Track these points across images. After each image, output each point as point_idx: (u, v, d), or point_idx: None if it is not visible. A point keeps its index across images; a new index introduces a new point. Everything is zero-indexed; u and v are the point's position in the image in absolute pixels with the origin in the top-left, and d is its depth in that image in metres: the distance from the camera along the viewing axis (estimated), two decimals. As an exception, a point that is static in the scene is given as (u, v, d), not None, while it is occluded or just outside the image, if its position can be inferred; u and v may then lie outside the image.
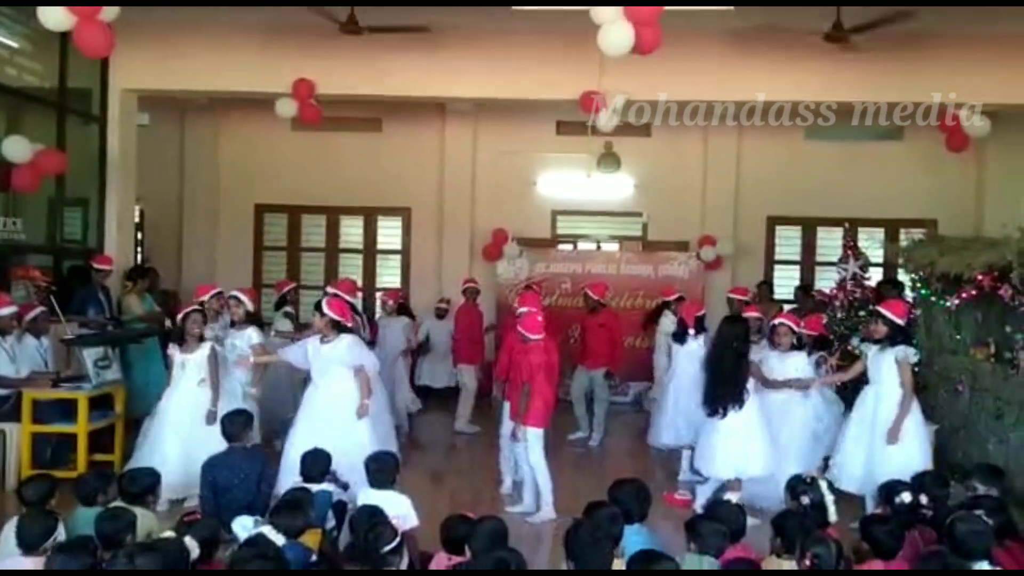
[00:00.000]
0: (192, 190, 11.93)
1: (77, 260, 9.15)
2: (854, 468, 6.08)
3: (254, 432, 6.25)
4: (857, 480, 6.03)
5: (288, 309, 8.64)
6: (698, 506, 6.27)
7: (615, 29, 5.81)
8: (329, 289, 7.79)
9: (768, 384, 6.53)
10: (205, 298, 7.26)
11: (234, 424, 5.52)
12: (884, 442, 5.97)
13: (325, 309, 6.34)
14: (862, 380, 6.33)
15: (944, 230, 10.35)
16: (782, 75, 8.85)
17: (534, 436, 6.37)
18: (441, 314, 10.29)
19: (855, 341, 7.77)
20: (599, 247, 11.99)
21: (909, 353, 6.06)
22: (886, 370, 6.10)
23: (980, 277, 6.80)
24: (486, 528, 4.00)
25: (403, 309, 9.51)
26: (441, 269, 11.66)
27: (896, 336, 6.11)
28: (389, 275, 12.13)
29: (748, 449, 6.22)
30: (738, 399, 6.20)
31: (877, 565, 3.92)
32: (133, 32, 6.41)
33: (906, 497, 4.70)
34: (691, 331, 7.33)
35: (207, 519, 4.47)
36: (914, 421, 6.10)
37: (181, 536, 3.87)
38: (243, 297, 7.23)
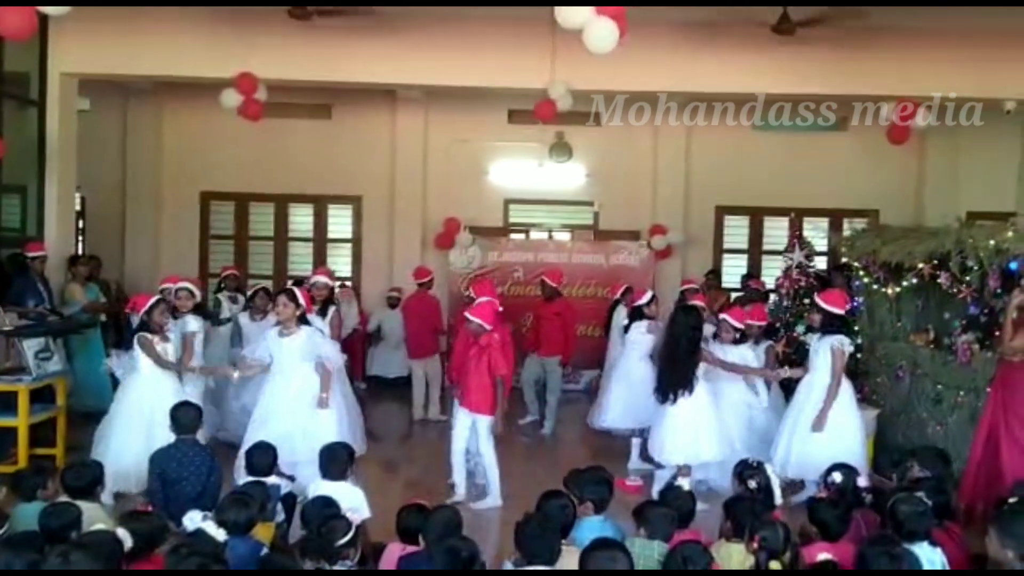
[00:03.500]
0: (135, 177, 11.62)
1: (15, 249, 8.87)
2: (784, 452, 6.25)
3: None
4: (786, 464, 6.20)
5: (227, 294, 8.51)
6: (655, 492, 6.35)
7: (600, 25, 5.73)
8: (321, 279, 7.65)
9: (727, 367, 6.61)
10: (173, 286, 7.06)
11: (185, 416, 5.42)
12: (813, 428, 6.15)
13: (301, 300, 6.21)
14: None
15: (886, 220, 10.61)
16: (731, 67, 8.93)
17: (483, 425, 6.40)
18: (393, 303, 10.23)
19: (800, 329, 7.96)
20: (551, 236, 12.02)
21: (844, 342, 6.22)
22: (820, 358, 6.27)
23: (921, 265, 6.99)
24: (440, 518, 4.01)
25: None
26: (393, 258, 11.57)
27: (831, 325, 6.26)
28: (340, 264, 12.01)
29: (700, 435, 6.32)
30: (688, 385, 6.30)
31: (823, 547, 4.02)
32: (74, 14, 6.17)
33: (836, 477, 4.82)
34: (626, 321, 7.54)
35: (154, 513, 4.39)
36: (847, 408, 6.28)
37: (120, 526, 3.79)
38: (194, 289, 7.07)
